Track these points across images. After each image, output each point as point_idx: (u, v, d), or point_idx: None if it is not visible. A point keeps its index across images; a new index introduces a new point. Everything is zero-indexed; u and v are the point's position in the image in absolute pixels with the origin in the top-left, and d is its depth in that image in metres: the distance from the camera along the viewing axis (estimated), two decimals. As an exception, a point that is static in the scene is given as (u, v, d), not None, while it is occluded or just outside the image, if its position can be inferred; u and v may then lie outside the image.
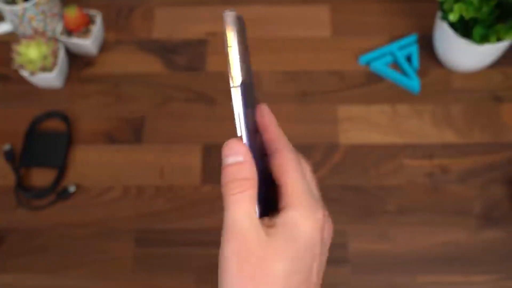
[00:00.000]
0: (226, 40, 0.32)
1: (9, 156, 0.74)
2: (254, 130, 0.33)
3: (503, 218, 0.69)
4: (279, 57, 0.81)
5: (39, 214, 0.71)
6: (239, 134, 0.32)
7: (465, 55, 0.73)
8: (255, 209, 0.30)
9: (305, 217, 0.30)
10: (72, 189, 0.71)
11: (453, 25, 0.73)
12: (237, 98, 0.32)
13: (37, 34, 0.75)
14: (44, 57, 0.74)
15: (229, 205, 0.29)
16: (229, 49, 0.32)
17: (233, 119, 0.76)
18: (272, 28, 0.84)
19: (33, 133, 0.76)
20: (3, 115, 0.78)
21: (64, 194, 0.71)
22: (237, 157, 0.30)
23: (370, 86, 0.78)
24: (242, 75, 0.32)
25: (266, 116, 0.34)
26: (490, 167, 0.72)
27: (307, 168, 0.34)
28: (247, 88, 0.33)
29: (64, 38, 0.78)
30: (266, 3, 0.86)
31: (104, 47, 0.83)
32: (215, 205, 0.71)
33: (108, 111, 0.78)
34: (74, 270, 0.68)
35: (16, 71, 0.81)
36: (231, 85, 0.32)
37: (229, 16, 0.32)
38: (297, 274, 0.29)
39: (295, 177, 0.31)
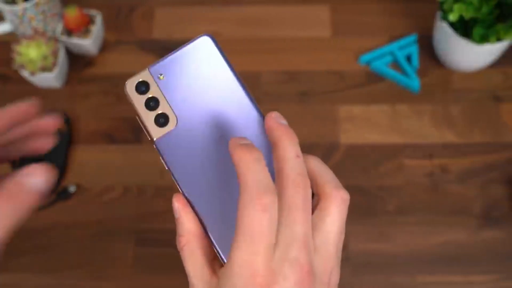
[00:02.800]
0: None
1: (9, 156, 0.74)
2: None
3: (503, 218, 0.69)
4: (279, 57, 0.81)
5: (39, 214, 0.71)
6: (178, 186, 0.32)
7: (465, 55, 0.73)
8: (199, 260, 0.30)
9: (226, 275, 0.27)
10: (72, 189, 0.71)
11: (453, 25, 0.73)
12: (160, 153, 0.31)
13: (37, 34, 0.75)
14: (44, 57, 0.74)
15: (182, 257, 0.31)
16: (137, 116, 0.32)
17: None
18: (272, 28, 0.84)
19: (33, 133, 0.76)
20: (3, 115, 0.78)
21: (64, 194, 0.71)
22: (175, 214, 0.31)
23: (370, 86, 0.78)
24: (159, 131, 0.31)
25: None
26: (490, 167, 0.72)
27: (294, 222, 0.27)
28: (187, 128, 0.31)
29: (64, 38, 0.78)
30: (266, 3, 0.86)
31: (104, 47, 0.83)
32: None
33: (108, 111, 0.78)
34: (74, 270, 0.68)
35: (16, 71, 0.81)
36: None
37: (129, 84, 0.32)
38: None
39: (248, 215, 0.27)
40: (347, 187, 0.71)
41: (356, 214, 0.69)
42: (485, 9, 0.67)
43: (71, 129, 0.76)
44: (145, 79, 0.32)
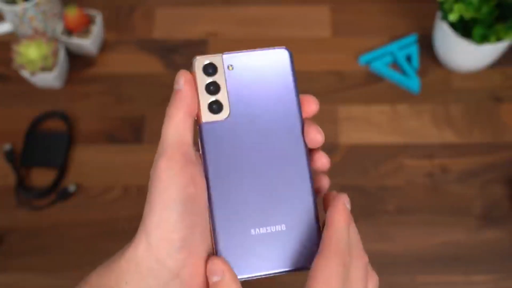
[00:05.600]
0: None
1: (10, 156, 0.74)
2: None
3: (503, 218, 0.69)
4: (279, 57, 0.81)
5: (39, 214, 0.71)
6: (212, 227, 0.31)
7: (465, 55, 0.74)
8: None
9: None
10: (72, 189, 0.71)
11: (453, 25, 0.73)
12: (203, 137, 0.32)
13: (37, 34, 0.75)
14: (44, 57, 0.74)
15: None
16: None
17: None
18: (272, 28, 0.84)
19: (33, 133, 0.76)
20: (3, 115, 0.78)
21: (64, 194, 0.71)
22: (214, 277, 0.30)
23: (370, 86, 0.78)
24: (209, 116, 0.32)
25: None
26: (490, 167, 0.72)
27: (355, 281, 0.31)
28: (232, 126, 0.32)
29: (64, 38, 0.78)
30: (266, 3, 0.86)
31: (104, 47, 0.83)
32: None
33: (108, 111, 0.78)
34: (74, 270, 0.68)
35: (16, 71, 0.81)
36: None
37: (198, 61, 0.32)
38: None
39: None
40: (347, 187, 0.71)
41: (356, 214, 0.69)
42: (485, 9, 0.67)
43: (71, 129, 0.76)
44: (215, 62, 0.33)
